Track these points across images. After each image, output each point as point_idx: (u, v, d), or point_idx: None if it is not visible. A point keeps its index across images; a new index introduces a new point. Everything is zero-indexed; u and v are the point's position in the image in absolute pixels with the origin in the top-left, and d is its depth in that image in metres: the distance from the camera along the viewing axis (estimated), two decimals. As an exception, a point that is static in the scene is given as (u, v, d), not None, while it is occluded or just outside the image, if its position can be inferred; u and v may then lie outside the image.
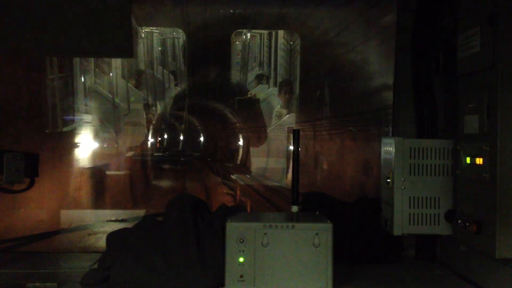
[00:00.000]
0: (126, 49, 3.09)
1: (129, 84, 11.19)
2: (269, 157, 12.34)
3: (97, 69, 9.75)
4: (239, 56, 15.49)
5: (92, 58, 8.93)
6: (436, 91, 3.17)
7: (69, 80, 7.71)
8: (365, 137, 6.54)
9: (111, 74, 10.49)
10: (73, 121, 7.84)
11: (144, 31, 13.64)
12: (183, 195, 3.02)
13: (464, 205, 2.71)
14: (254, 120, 13.29)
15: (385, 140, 3.10)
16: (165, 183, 13.59)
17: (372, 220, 3.19)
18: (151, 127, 13.92)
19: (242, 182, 12.05)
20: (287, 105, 11.33)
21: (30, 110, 5.75)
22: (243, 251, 2.47)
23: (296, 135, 2.86)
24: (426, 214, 2.93)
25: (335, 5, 6.43)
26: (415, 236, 3.26)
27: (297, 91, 10.80)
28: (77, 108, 8.07)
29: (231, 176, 13.33)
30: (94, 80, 9.53)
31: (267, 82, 14.00)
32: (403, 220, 2.92)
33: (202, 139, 20.98)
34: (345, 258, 2.98)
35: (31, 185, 3.01)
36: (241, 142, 15.57)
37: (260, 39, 15.01)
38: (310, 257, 2.47)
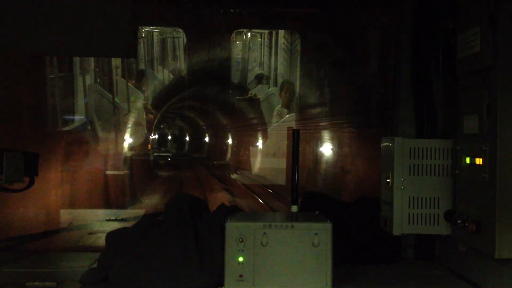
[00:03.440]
0: (127, 49, 3.09)
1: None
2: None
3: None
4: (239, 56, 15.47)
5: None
6: (436, 91, 3.17)
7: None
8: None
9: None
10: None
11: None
12: (182, 195, 3.01)
13: (463, 205, 2.71)
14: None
15: (385, 140, 3.10)
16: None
17: (372, 220, 3.19)
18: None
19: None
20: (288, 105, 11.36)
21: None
22: (242, 250, 2.47)
23: (295, 135, 2.84)
24: (426, 214, 2.93)
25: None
26: (414, 236, 3.26)
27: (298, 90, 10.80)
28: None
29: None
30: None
31: (267, 82, 13.98)
32: (402, 220, 2.92)
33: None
34: (345, 258, 2.98)
35: (30, 184, 3.00)
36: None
37: (261, 38, 14.99)
38: (310, 257, 2.47)
